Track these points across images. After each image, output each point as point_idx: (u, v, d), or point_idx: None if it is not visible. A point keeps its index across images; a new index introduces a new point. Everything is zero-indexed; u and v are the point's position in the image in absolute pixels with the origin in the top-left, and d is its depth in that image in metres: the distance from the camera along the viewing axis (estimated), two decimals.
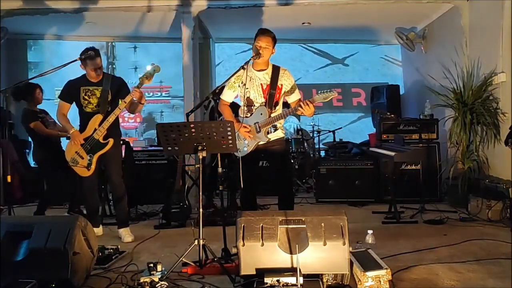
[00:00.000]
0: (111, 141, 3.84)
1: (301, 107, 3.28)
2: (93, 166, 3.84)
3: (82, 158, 3.84)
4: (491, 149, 5.00)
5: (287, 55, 8.10)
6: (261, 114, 3.47)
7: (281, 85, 3.51)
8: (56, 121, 4.60)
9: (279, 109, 3.53)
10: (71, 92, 3.93)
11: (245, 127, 3.44)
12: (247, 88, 3.47)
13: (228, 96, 3.61)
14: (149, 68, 3.79)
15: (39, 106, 4.95)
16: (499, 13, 4.93)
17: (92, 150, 3.83)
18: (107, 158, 3.91)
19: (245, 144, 3.49)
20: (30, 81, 4.84)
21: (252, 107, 3.51)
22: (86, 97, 3.89)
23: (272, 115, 3.46)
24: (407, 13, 6.48)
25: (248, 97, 3.50)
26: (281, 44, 8.09)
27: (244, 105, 3.51)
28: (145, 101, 3.96)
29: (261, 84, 3.49)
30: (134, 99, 3.82)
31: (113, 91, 3.92)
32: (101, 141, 3.82)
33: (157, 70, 3.78)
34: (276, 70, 3.51)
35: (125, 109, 3.97)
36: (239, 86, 3.52)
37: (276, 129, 3.53)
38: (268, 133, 3.49)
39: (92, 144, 3.82)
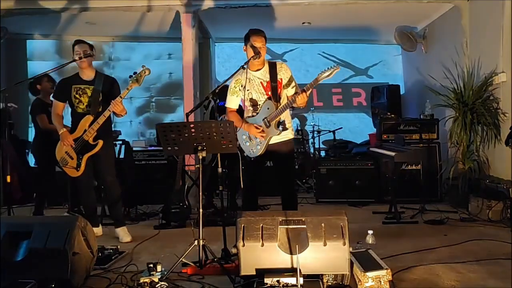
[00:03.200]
0: (100, 142, 3.82)
1: (297, 98, 3.24)
2: (82, 167, 3.83)
3: (72, 159, 3.84)
4: (492, 149, 4.99)
5: (287, 55, 8.10)
6: (268, 108, 3.42)
7: (281, 79, 3.48)
8: None
9: (283, 102, 3.47)
10: (63, 91, 3.91)
11: (257, 128, 3.41)
12: (247, 90, 3.47)
13: (232, 102, 3.59)
14: (138, 70, 3.67)
15: None
16: (499, 13, 4.93)
17: (81, 151, 3.82)
18: (98, 159, 3.88)
19: (258, 142, 3.44)
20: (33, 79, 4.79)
21: (258, 106, 3.49)
22: (77, 95, 3.86)
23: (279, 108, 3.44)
24: (407, 13, 6.47)
25: (251, 98, 3.50)
26: (281, 44, 8.17)
27: (249, 106, 3.51)
28: (124, 114, 3.82)
29: (261, 82, 3.47)
30: (113, 111, 3.74)
31: (104, 91, 3.88)
32: (91, 142, 3.80)
33: (147, 72, 3.66)
34: (273, 66, 3.50)
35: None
36: (239, 89, 3.52)
37: (285, 129, 3.48)
38: (278, 126, 3.43)
39: (81, 145, 3.81)
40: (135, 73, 3.65)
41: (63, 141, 3.82)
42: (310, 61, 8.37)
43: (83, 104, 3.86)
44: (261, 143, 3.43)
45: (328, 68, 3.13)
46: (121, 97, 3.69)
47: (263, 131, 3.40)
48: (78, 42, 3.89)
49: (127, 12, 6.01)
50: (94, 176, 4.06)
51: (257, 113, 3.48)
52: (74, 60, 3.80)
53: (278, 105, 3.40)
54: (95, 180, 4.19)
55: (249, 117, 3.52)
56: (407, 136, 5.42)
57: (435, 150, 5.47)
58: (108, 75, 4.07)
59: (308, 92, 3.23)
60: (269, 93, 3.44)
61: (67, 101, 3.93)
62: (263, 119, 3.43)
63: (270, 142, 3.45)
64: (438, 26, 6.60)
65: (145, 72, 3.66)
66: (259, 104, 3.48)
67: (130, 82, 3.66)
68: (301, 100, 3.25)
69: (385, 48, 8.24)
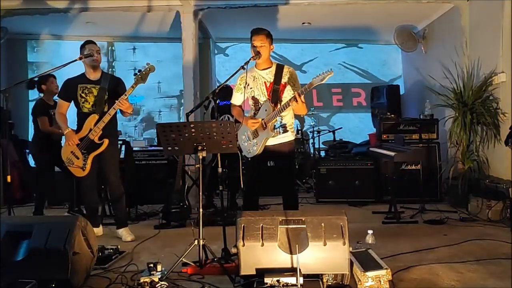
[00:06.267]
0: (105, 141, 3.82)
1: (292, 104, 3.23)
2: (88, 167, 3.83)
3: (78, 159, 3.83)
4: (491, 149, 5.00)
5: (287, 55, 8.11)
6: (265, 110, 3.44)
7: (285, 83, 3.48)
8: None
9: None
10: (69, 90, 3.91)
11: (252, 120, 3.43)
12: (251, 88, 3.50)
13: (236, 99, 3.63)
14: (143, 68, 3.68)
15: None
16: (499, 13, 4.93)
17: (87, 150, 3.82)
18: (104, 158, 3.89)
19: (254, 143, 3.46)
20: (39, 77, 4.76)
21: (258, 105, 3.51)
22: (83, 94, 3.86)
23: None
24: (407, 13, 6.48)
25: (253, 96, 3.52)
26: (281, 44, 8.17)
27: (252, 104, 3.53)
28: (131, 112, 3.86)
29: (265, 82, 3.48)
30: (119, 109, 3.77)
31: (110, 91, 3.89)
32: (96, 141, 3.80)
33: (152, 69, 3.68)
34: (280, 68, 3.49)
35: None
36: (244, 87, 3.52)
37: (285, 131, 3.49)
38: (274, 128, 3.43)
39: (87, 145, 3.81)
40: (139, 70, 3.67)
41: (68, 141, 3.81)
42: (309, 61, 8.36)
43: (89, 103, 3.87)
44: (257, 144, 3.45)
45: (322, 73, 3.11)
46: (126, 95, 3.70)
47: (256, 122, 3.42)
48: (89, 42, 3.91)
49: (127, 12, 6.02)
50: (98, 175, 4.05)
51: (258, 112, 3.50)
52: (74, 60, 3.80)
53: (276, 108, 3.40)
54: (99, 179, 4.18)
55: (250, 116, 3.55)
56: (407, 136, 5.42)
57: (435, 150, 5.47)
58: (114, 75, 4.08)
59: (302, 97, 3.21)
60: (270, 94, 3.45)
61: (73, 101, 3.93)
62: (262, 120, 3.44)
63: (270, 144, 3.47)
64: (438, 26, 6.60)
65: (149, 70, 3.67)
66: (260, 103, 3.50)
67: (135, 79, 3.67)
68: (297, 107, 3.27)
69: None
